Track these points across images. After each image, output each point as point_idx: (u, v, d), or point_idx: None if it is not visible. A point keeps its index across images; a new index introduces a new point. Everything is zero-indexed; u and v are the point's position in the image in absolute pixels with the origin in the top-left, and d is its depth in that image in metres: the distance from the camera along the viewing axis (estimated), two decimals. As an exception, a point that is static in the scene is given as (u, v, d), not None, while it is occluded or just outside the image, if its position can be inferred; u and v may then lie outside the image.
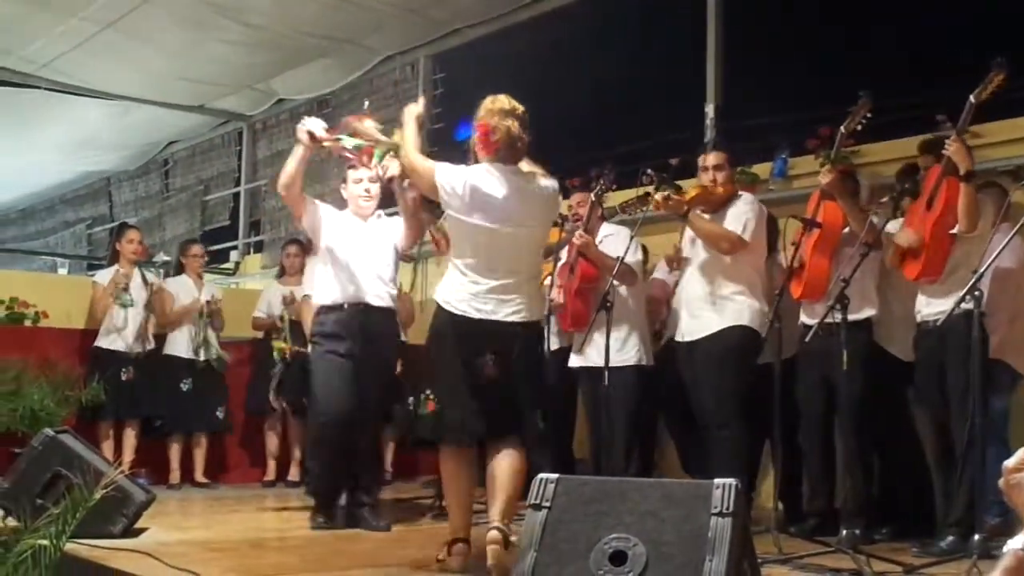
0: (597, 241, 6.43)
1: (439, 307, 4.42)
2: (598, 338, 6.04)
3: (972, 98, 4.69)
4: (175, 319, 8.11)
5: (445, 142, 7.70)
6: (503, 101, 4.38)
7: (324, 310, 5.75)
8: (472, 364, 4.30)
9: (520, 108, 4.39)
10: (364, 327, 5.67)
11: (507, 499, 4.29)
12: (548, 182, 4.48)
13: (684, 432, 6.41)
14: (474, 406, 4.32)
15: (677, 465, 6.85)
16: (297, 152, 5.53)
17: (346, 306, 5.69)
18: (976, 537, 4.29)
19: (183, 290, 8.25)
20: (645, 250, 6.82)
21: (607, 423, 6.09)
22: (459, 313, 4.34)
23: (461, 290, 4.35)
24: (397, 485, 6.90)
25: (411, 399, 6.59)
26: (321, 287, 5.84)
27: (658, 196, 5.71)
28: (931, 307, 5.07)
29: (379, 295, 5.75)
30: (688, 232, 5.89)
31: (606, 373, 5.77)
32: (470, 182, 4.32)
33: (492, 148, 4.35)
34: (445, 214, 4.53)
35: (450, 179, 4.36)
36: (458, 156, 4.61)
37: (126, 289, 7.86)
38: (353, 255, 5.74)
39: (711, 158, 5.80)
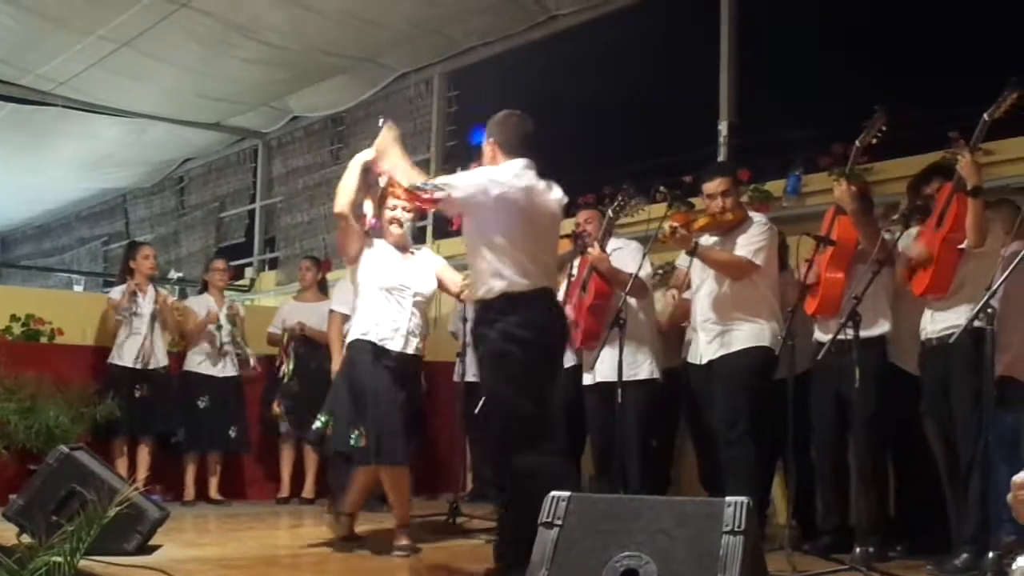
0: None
1: None
2: (610, 354, 5.91)
3: (986, 116, 4.67)
4: (194, 334, 8.14)
5: (460, 159, 7.70)
6: None
7: None
8: None
9: None
10: None
11: None
12: None
13: (706, 448, 6.38)
14: None
15: (695, 482, 6.82)
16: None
17: None
18: (990, 555, 4.27)
19: (204, 309, 8.25)
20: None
21: (621, 439, 6.07)
22: None
23: None
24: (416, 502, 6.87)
25: None
26: None
27: (666, 228, 5.64)
28: (936, 324, 5.03)
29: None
30: None
31: (619, 390, 5.74)
32: None
33: None
34: None
35: None
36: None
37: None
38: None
39: (715, 185, 5.70)
